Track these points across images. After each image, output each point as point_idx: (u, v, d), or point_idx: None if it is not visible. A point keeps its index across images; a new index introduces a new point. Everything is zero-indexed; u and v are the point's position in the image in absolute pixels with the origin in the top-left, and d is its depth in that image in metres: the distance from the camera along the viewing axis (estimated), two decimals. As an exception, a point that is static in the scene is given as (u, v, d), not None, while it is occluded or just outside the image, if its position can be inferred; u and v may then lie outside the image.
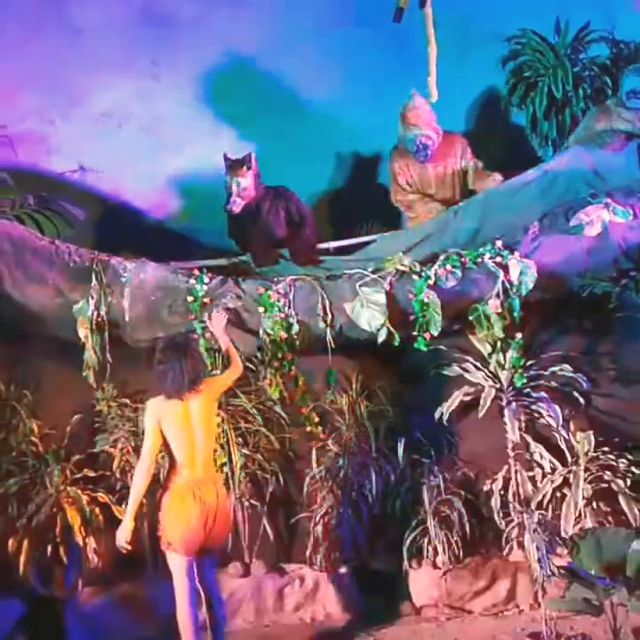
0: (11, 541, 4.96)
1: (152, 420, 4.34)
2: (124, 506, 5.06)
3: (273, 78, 6.47)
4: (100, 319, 5.11)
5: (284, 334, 5.22)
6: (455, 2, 6.08)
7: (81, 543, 4.99)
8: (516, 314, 5.20)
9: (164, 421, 4.33)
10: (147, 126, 6.37)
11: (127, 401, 5.29)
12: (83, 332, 5.09)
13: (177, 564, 4.29)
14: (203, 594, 4.40)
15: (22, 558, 4.93)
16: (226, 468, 5.21)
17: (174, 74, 6.40)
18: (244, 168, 5.65)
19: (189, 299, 5.21)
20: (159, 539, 4.35)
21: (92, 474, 5.17)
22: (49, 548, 4.98)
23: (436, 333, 5.16)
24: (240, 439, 5.29)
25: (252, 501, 5.32)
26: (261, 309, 5.25)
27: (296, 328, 5.26)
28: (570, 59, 6.22)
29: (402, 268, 5.29)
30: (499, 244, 5.28)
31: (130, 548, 4.30)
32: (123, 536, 4.27)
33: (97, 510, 5.04)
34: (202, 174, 6.24)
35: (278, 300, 5.26)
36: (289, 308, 5.27)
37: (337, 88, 6.46)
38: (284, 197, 5.80)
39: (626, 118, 5.62)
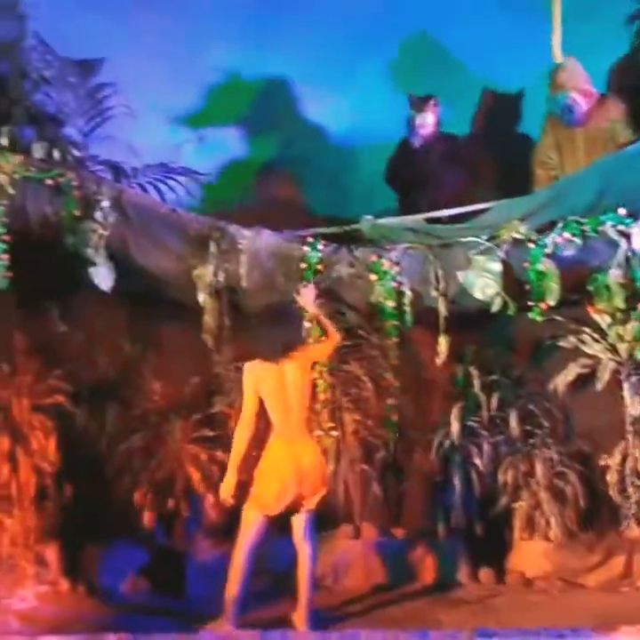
0: (136, 494, 5.20)
1: (249, 383, 4.46)
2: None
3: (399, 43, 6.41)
4: (218, 285, 5.26)
5: (393, 302, 5.22)
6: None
7: (200, 498, 5.20)
8: (638, 284, 4.99)
9: (261, 384, 4.44)
10: (265, 92, 6.39)
11: (239, 365, 5.41)
12: (202, 296, 5.24)
13: (251, 519, 4.41)
14: (299, 551, 4.50)
15: (146, 510, 5.19)
16: (336, 433, 5.29)
17: (296, 37, 6.38)
18: (431, 103, 5.76)
19: (303, 266, 5.28)
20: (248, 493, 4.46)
21: (210, 433, 5.32)
22: (171, 502, 5.20)
23: (553, 303, 5.01)
24: (351, 405, 5.36)
25: (363, 466, 5.38)
26: (374, 277, 5.25)
27: (408, 296, 5.24)
28: None
29: (518, 237, 5.15)
30: (622, 211, 5.05)
31: (232, 501, 4.45)
32: (225, 490, 4.44)
33: (214, 468, 5.22)
34: (318, 142, 6.26)
35: (391, 268, 5.24)
36: (401, 276, 5.25)
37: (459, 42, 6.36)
38: (455, 143, 5.87)
39: None
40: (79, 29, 6.24)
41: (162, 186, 5.82)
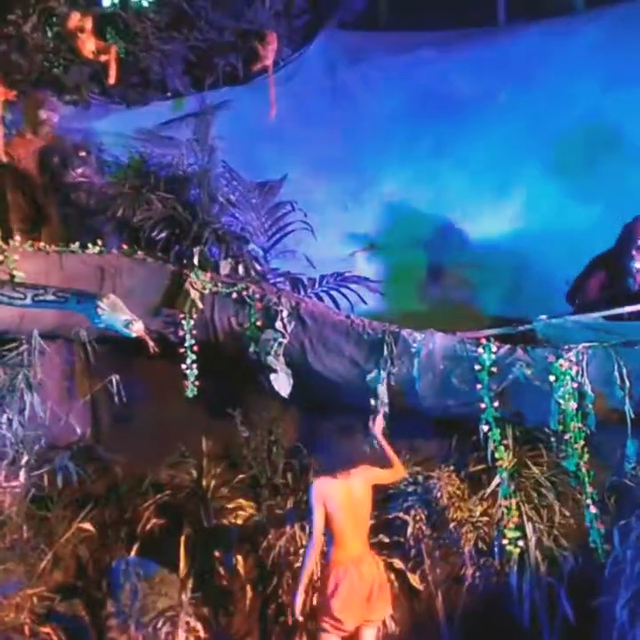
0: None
1: (318, 500, 4.38)
2: (418, 573, 5.05)
3: (565, 138, 6.30)
4: (391, 389, 5.18)
5: (575, 404, 4.89)
6: None
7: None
8: None
9: (328, 501, 4.37)
10: (431, 203, 6.49)
11: (418, 468, 5.25)
12: (375, 401, 5.18)
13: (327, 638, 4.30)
14: None
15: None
16: (520, 543, 4.92)
17: (458, 149, 6.49)
18: None
19: (477, 368, 5.08)
20: (316, 612, 4.37)
21: (386, 540, 5.10)
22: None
23: None
24: (534, 512, 4.99)
25: (549, 579, 4.94)
26: (552, 378, 4.95)
27: (591, 397, 4.89)
28: None
29: None
30: None
31: (302, 619, 4.41)
32: (295, 608, 4.35)
33: (392, 576, 4.99)
34: (488, 245, 6.20)
35: (570, 369, 4.93)
36: (582, 376, 4.92)
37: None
38: None
39: None
40: (261, 154, 6.68)
41: (336, 294, 5.94)
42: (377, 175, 6.60)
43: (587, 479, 4.80)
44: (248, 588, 4.95)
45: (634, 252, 5.58)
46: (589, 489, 4.80)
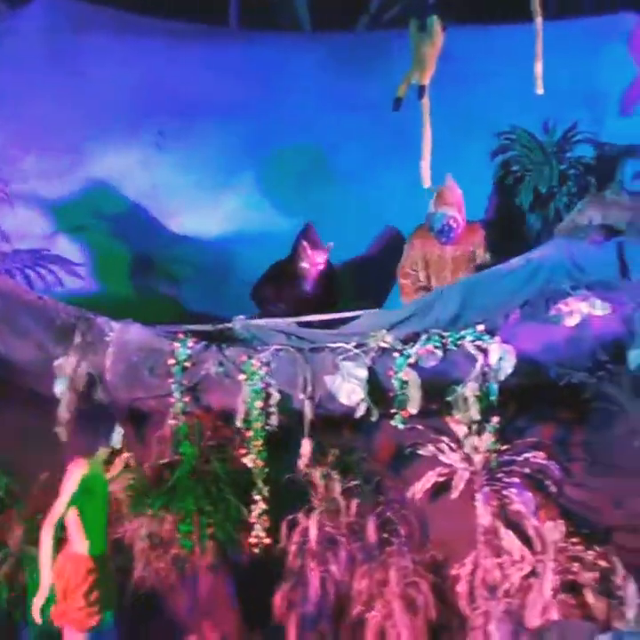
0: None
1: None
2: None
3: (279, 153, 6.58)
4: (78, 377, 5.01)
5: (261, 403, 5.12)
6: (451, 95, 6.23)
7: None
8: (493, 397, 5.06)
9: None
10: (144, 193, 6.40)
11: (100, 460, 5.11)
12: (60, 388, 4.95)
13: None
14: None
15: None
16: (193, 537, 5.02)
17: (179, 143, 6.47)
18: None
19: (171, 362, 5.11)
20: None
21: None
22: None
23: (414, 411, 5.02)
24: (211, 507, 5.11)
25: (222, 572, 5.09)
26: (242, 377, 5.15)
27: (276, 397, 5.16)
28: (556, 156, 6.32)
29: (384, 345, 5.20)
30: (480, 328, 5.18)
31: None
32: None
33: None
34: (197, 244, 6.27)
35: (260, 369, 5.16)
36: (270, 377, 5.17)
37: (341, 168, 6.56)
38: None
39: (624, 205, 5.56)
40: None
41: (31, 273, 5.60)
42: (91, 154, 6.35)
43: (260, 476, 5.02)
44: None
45: (302, 254, 6.03)
46: (261, 485, 5.02)
